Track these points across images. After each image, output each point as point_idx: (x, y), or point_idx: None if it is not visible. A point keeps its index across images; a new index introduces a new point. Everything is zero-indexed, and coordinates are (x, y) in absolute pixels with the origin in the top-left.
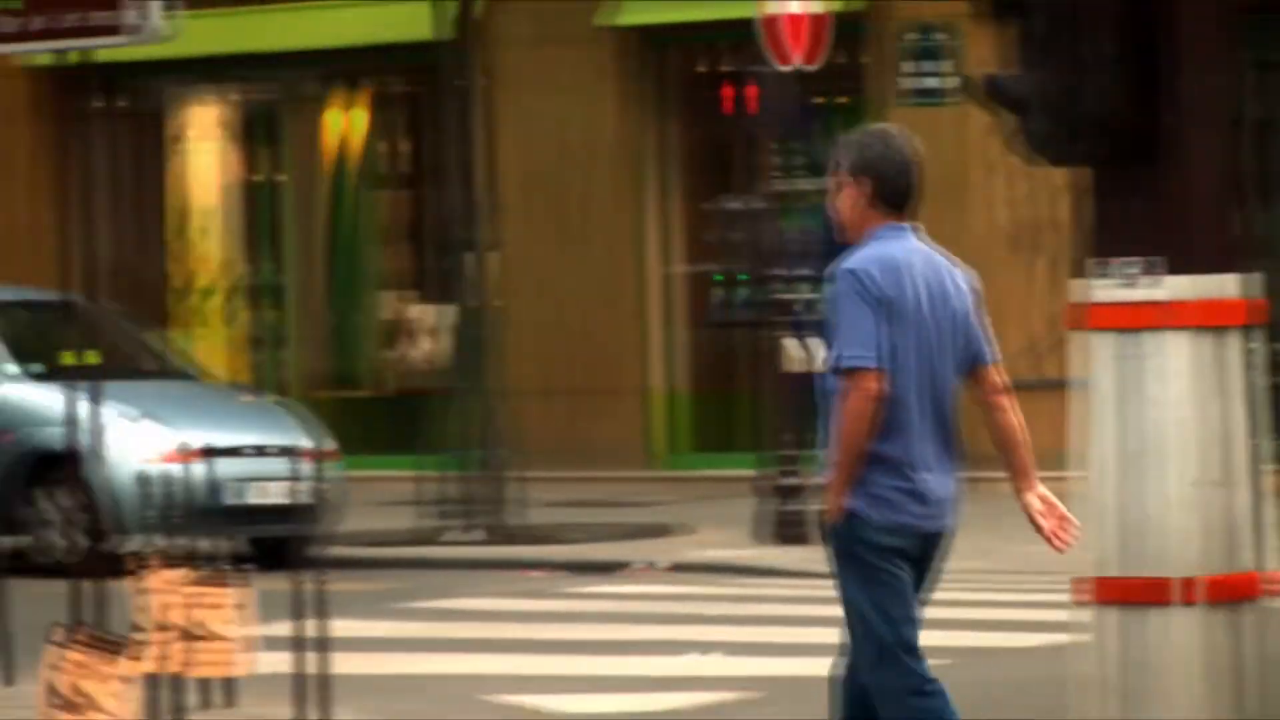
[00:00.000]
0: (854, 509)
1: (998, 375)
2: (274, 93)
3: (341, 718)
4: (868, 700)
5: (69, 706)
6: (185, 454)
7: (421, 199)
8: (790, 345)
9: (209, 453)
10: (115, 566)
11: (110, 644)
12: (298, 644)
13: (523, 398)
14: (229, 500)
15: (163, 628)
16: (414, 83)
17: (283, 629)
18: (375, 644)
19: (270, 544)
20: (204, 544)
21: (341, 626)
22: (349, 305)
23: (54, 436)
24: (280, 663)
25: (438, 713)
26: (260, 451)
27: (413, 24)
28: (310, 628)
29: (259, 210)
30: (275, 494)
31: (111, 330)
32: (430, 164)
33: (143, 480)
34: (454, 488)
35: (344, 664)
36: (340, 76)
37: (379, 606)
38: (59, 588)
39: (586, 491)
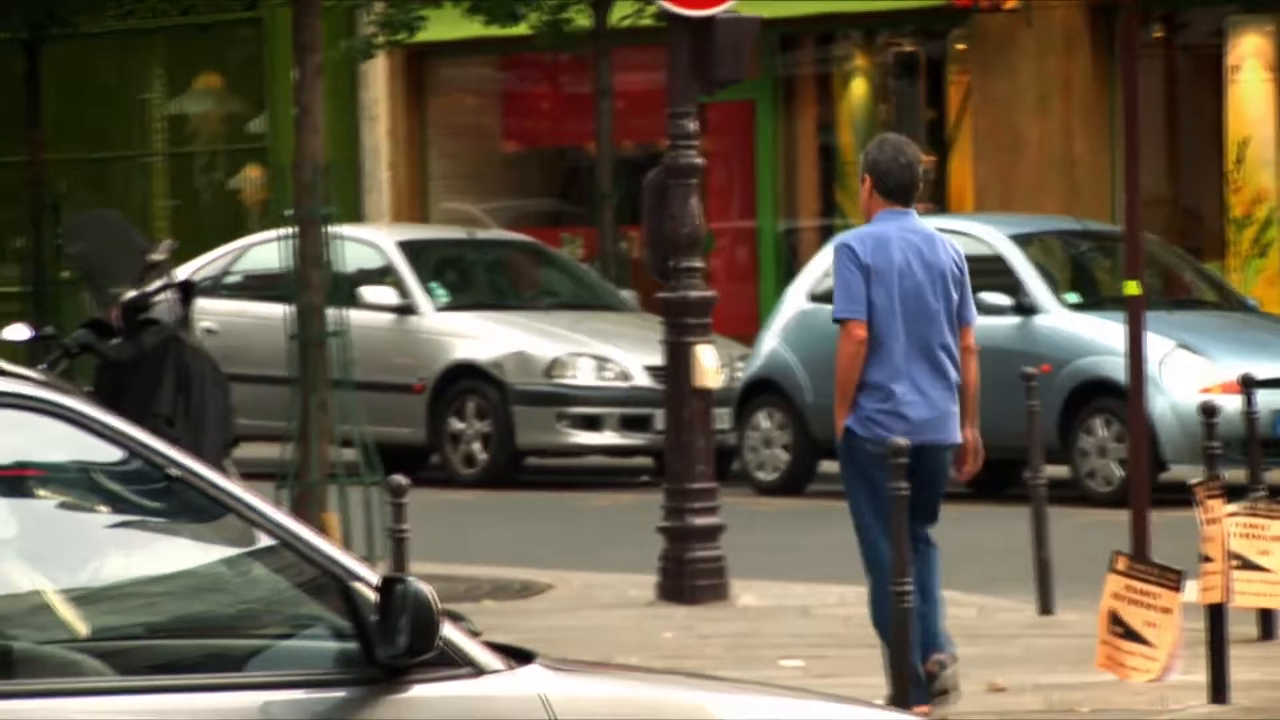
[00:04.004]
0: (848, 426)
1: (968, 336)
2: None
3: None
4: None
5: (1130, 635)
6: (1237, 385)
7: None
8: None
9: (1259, 384)
10: (1162, 497)
11: (1163, 575)
12: None
13: None
14: None
15: (1213, 559)
16: None
17: None
18: None
19: None
20: (1258, 477)
21: None
22: None
23: (1093, 367)
24: None
25: None
26: None
27: None
28: None
29: None
30: None
31: (1160, 262)
32: None
33: (1197, 410)
34: None
35: None
36: None
37: None
38: (1102, 516)
39: None
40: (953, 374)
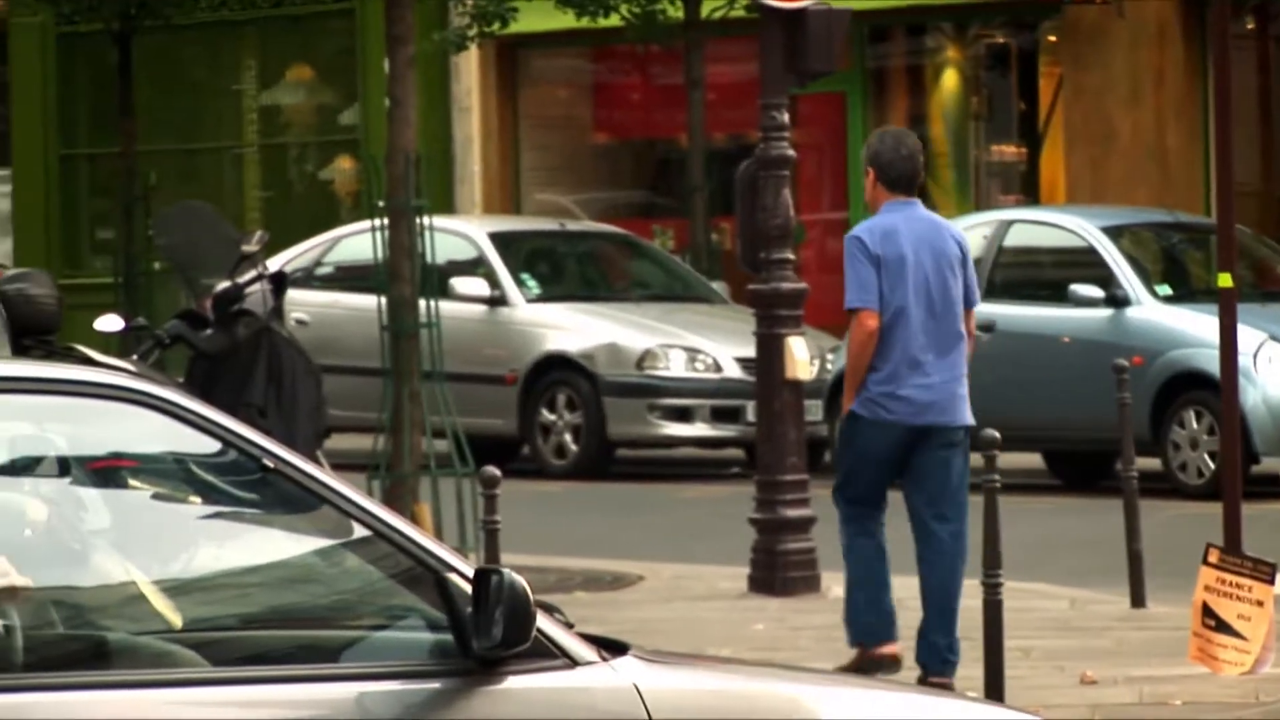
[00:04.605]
0: (852, 410)
1: (969, 319)
2: None
3: None
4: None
5: (1222, 628)
6: None
7: None
8: None
9: None
10: (1254, 490)
11: (1255, 567)
12: None
13: None
14: None
15: None
16: None
17: None
18: None
19: None
20: None
21: None
22: None
23: (1186, 359)
24: None
25: None
26: None
27: None
28: None
29: None
30: None
31: (1252, 254)
32: None
33: None
34: None
35: None
36: None
37: None
38: (1194, 509)
39: None
40: (963, 358)
